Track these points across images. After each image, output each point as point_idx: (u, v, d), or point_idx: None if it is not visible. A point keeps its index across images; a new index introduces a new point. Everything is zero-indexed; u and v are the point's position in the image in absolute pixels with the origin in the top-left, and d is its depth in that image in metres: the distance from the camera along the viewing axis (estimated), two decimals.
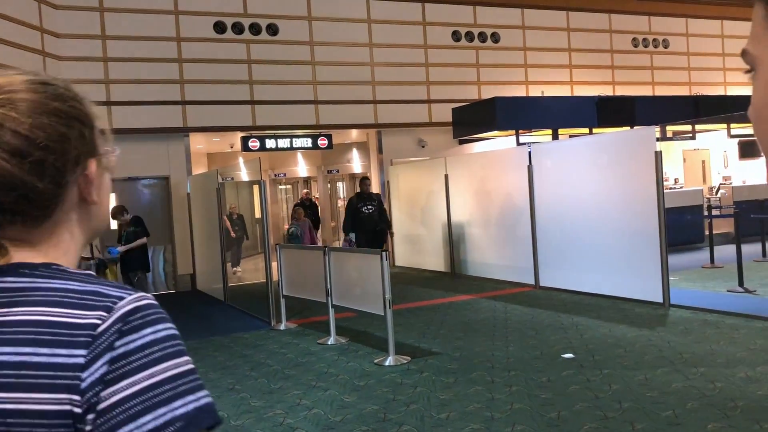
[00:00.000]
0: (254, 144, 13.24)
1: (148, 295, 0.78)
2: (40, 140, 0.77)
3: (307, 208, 13.69)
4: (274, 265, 8.79)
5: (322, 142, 13.83)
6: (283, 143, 13.66)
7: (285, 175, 18.85)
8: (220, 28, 12.68)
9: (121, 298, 0.75)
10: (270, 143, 13.46)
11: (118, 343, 0.71)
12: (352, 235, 10.73)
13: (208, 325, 9.00)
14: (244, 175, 16.27)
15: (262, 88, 12.99)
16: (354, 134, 15.30)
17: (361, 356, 6.64)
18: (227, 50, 12.72)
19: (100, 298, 0.74)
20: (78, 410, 0.69)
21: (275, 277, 8.74)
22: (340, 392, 5.49)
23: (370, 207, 10.98)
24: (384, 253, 6.45)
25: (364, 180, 11.44)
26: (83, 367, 0.70)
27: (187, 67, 12.44)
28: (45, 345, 0.71)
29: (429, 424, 4.62)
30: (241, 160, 15.74)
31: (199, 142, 14.55)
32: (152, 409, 0.70)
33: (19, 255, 0.78)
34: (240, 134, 13.32)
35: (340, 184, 17.91)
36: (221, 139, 14.82)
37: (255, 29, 12.93)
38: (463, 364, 6.10)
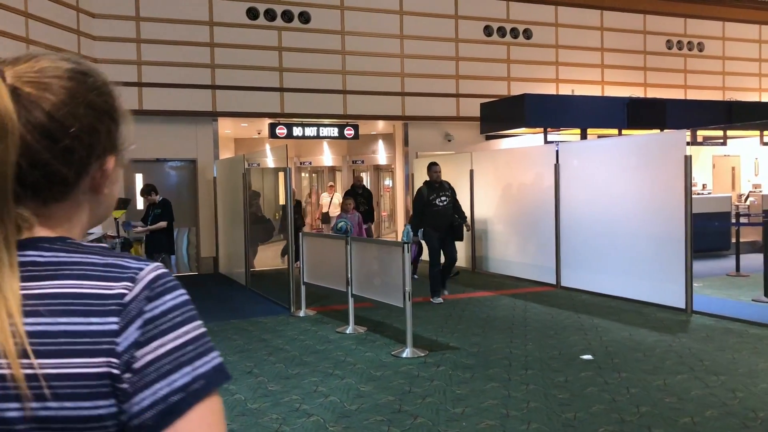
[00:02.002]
0: (281, 131, 13.30)
1: (161, 264, 0.84)
2: (73, 129, 0.81)
3: (359, 196, 12.09)
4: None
5: (349, 132, 13.85)
6: (310, 131, 13.70)
7: (310, 163, 18.92)
8: (252, 14, 12.72)
9: (141, 269, 0.81)
10: (297, 131, 13.50)
11: (146, 309, 0.78)
12: (420, 233, 9.09)
13: (228, 308, 9.08)
14: (270, 161, 16.36)
15: (291, 75, 13.03)
16: (380, 125, 15.30)
17: (379, 347, 6.66)
18: (259, 36, 12.77)
19: (123, 270, 0.81)
20: (116, 371, 0.76)
21: (297, 264, 8.79)
22: (356, 381, 5.51)
23: (444, 199, 9.02)
24: (405, 246, 6.45)
25: (434, 166, 9.21)
26: (117, 333, 0.77)
27: (219, 51, 12.51)
28: (79, 315, 0.77)
29: (444, 418, 4.62)
30: (267, 146, 15.82)
31: (227, 127, 14.66)
32: (179, 368, 0.78)
33: (37, 230, 0.83)
34: (268, 121, 13.39)
35: (364, 175, 17.91)
36: (249, 125, 14.90)
37: (287, 16, 12.96)
38: (480, 360, 6.09)
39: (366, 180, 17.62)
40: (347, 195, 11.79)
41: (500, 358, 6.11)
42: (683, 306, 7.84)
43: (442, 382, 5.45)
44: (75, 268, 0.80)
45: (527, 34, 14.92)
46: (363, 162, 17.54)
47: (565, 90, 14.97)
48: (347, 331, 7.31)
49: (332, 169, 18.88)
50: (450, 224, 9.08)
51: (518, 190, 10.93)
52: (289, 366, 6.05)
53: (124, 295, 0.78)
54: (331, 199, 15.93)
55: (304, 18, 13.08)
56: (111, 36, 11.84)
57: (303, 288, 8.51)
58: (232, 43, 12.58)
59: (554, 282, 9.90)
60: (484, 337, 6.98)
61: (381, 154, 16.72)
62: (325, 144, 17.97)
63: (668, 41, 16.42)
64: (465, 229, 9.45)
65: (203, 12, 12.41)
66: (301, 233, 8.95)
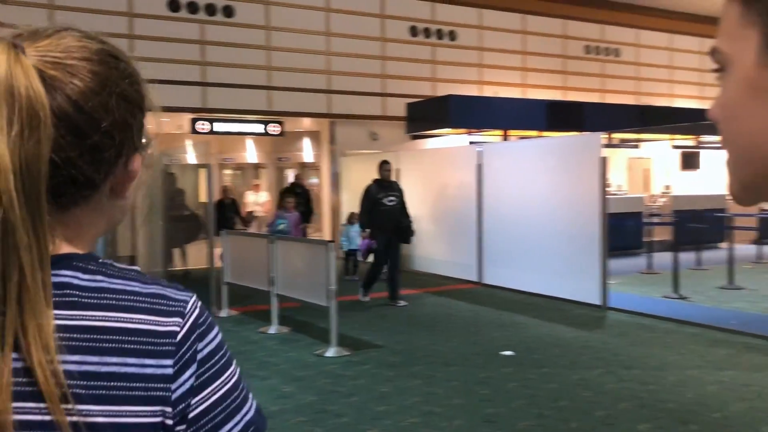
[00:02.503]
0: (203, 127, 12.99)
1: (194, 293, 0.76)
2: (104, 124, 0.69)
3: (298, 195, 11.53)
4: (218, 250, 8.64)
5: (274, 128, 13.67)
6: (234, 128, 13.44)
7: (233, 160, 18.55)
8: (173, 6, 12.37)
9: (186, 302, 0.73)
10: (220, 127, 13.22)
11: (199, 349, 0.71)
12: (368, 231, 9.05)
13: None
14: (191, 158, 15.96)
15: (214, 70, 12.74)
16: (306, 123, 15.17)
17: (303, 347, 6.60)
18: (180, 29, 12.43)
19: (170, 302, 0.71)
20: (169, 421, 0.68)
21: (219, 263, 8.60)
22: (279, 382, 5.44)
23: (392, 198, 8.75)
24: (330, 244, 6.41)
25: (385, 164, 9.01)
26: (172, 378, 0.69)
27: (138, 44, 12.10)
28: (131, 354, 0.67)
29: (368, 417, 4.62)
30: (189, 142, 15.42)
31: (147, 122, 14.19)
32: (231, 417, 0.72)
33: (61, 244, 0.70)
34: (189, 116, 13.06)
35: (290, 172, 17.74)
36: (170, 119, 14.48)
37: (210, 10, 12.67)
38: (404, 358, 6.12)
39: (292, 177, 17.44)
40: (286, 193, 11.44)
41: (424, 356, 6.16)
42: (599, 302, 8.11)
43: (366, 380, 5.44)
44: (119, 297, 0.69)
45: (452, 35, 15.12)
46: (289, 159, 17.36)
47: (488, 92, 15.24)
48: (270, 332, 7.20)
49: (257, 167, 18.59)
50: (396, 226, 8.72)
51: (443, 189, 11.06)
52: None
53: (176, 333, 0.69)
54: (257, 198, 15.53)
55: (228, 12, 12.82)
56: (22, 24, 11.25)
57: (225, 288, 8.33)
58: (152, 35, 12.20)
59: (477, 279, 10.07)
60: (408, 335, 7.02)
61: (307, 152, 16.58)
62: (249, 140, 17.67)
63: (586, 46, 16.98)
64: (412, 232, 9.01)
65: (122, 3, 11.98)
66: (224, 231, 8.75)
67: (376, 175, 9.11)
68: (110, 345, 0.66)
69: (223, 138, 15.27)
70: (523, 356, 6.09)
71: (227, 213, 11.61)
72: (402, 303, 8.67)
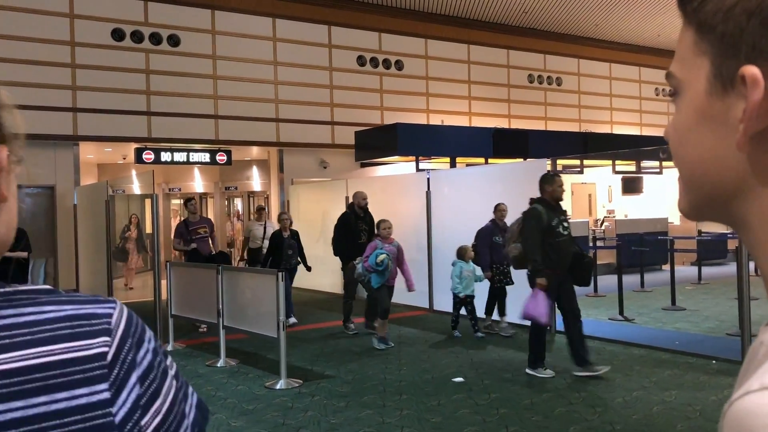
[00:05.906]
0: (148, 156, 12.78)
1: (115, 299, 0.71)
2: None
3: (360, 221, 9.06)
4: (164, 282, 8.45)
5: (221, 157, 13.55)
6: (180, 157, 13.27)
7: (180, 189, 18.27)
8: (118, 35, 12.22)
9: (110, 315, 0.68)
10: (165, 156, 13.03)
11: (137, 363, 0.66)
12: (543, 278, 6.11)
13: None
14: (136, 188, 15.66)
15: (160, 99, 12.59)
16: (255, 151, 15.09)
17: (252, 379, 6.48)
18: (125, 58, 12.27)
19: (92, 322, 0.66)
20: None
21: (164, 295, 8.40)
22: (227, 416, 5.31)
23: (566, 225, 6.31)
24: (280, 274, 6.34)
25: (556, 178, 6.46)
26: (111, 402, 0.63)
27: (81, 73, 11.89)
28: (60, 389, 0.61)
29: None
30: (133, 172, 15.15)
31: (89, 152, 13.89)
32: (180, 425, 0.69)
33: None
34: (134, 145, 12.83)
35: (238, 201, 17.55)
36: (113, 149, 14.21)
37: (155, 39, 12.55)
38: (355, 387, 6.06)
39: (240, 206, 17.18)
40: (350, 219, 8.96)
41: (375, 385, 6.11)
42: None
43: (316, 412, 5.36)
44: (34, 330, 0.62)
45: (399, 65, 15.32)
46: (236, 188, 17.19)
47: (435, 120, 15.46)
48: (218, 365, 7.05)
49: (203, 196, 18.34)
50: (573, 263, 6.27)
51: (392, 216, 11.01)
52: None
53: (106, 354, 0.64)
54: (265, 229, 10.71)
55: (174, 41, 12.72)
56: None
57: (171, 320, 8.14)
58: (96, 64, 12.00)
59: (427, 306, 10.08)
60: (359, 363, 6.96)
61: (255, 180, 16.45)
62: (195, 170, 17.45)
63: (530, 75, 17.41)
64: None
65: (64, 32, 11.77)
66: (168, 262, 8.55)
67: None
68: (35, 385, 0.60)
69: (169, 167, 15.06)
70: (474, 382, 6.10)
71: (286, 249, 9.53)
72: (602, 369, 6.17)
